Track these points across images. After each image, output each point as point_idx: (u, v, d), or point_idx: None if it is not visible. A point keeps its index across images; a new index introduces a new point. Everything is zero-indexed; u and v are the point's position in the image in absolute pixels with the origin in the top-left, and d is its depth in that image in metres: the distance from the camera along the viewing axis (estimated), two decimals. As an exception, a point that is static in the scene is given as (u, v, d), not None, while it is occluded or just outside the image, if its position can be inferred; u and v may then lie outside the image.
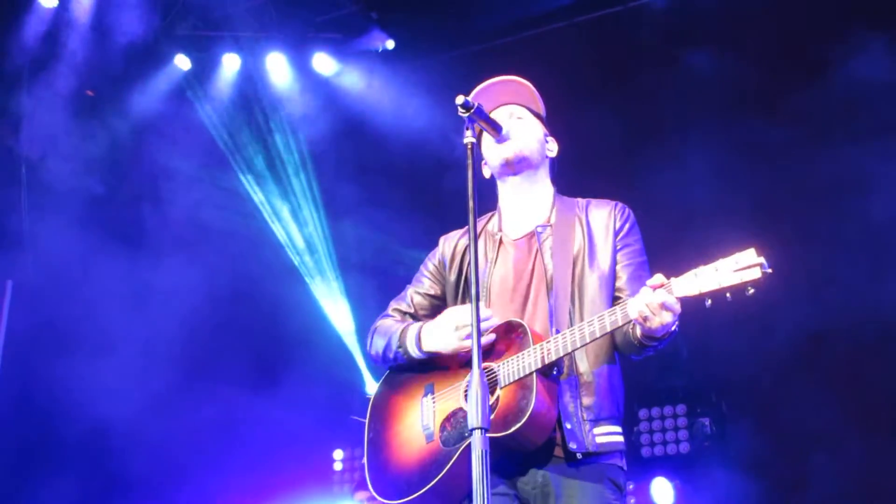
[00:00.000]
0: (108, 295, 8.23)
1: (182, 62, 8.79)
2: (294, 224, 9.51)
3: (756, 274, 2.70)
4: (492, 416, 3.01)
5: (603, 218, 3.34)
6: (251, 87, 8.98)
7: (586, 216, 3.35)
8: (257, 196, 9.38)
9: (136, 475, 8.54)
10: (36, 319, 7.94)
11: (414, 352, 3.33)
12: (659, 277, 2.89)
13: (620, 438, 3.18)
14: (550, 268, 3.24)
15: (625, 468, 3.20)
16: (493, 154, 3.41)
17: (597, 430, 3.09)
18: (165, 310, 8.32)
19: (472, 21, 8.33)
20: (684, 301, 2.85)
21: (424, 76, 8.29)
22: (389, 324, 3.52)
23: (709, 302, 2.80)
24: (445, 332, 3.24)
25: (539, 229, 3.35)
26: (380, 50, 8.61)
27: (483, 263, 3.38)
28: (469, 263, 3.34)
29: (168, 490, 8.84)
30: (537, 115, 3.53)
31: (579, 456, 3.04)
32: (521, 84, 3.56)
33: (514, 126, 3.38)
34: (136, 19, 8.14)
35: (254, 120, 9.21)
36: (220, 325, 8.86)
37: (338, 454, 9.79)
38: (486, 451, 2.51)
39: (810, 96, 7.04)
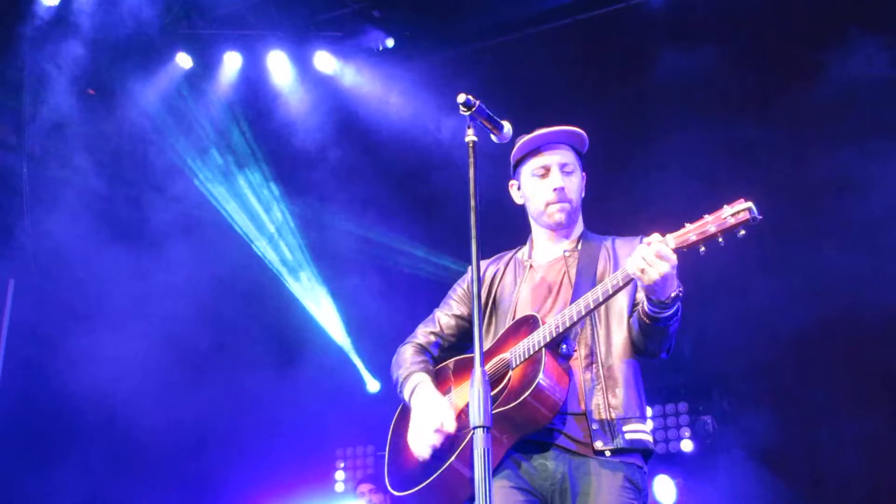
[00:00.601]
0: (108, 291, 8.26)
1: (183, 60, 8.79)
2: (291, 221, 9.52)
3: (746, 216, 2.80)
4: (502, 395, 3.10)
5: (629, 247, 3.40)
6: (253, 84, 8.98)
7: (612, 247, 3.44)
8: (256, 192, 9.37)
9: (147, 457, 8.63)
10: (43, 311, 7.99)
11: (406, 399, 3.42)
12: (655, 235, 2.97)
13: (649, 438, 3.26)
14: (574, 282, 3.33)
15: (645, 469, 3.24)
16: (538, 209, 3.47)
17: (626, 428, 3.16)
18: (166, 303, 8.36)
19: (474, 19, 8.33)
20: (681, 254, 2.93)
21: (426, 73, 8.30)
22: (406, 357, 3.54)
23: (702, 249, 2.89)
24: (422, 424, 3.26)
25: (566, 252, 3.46)
26: (380, 49, 8.61)
27: (511, 286, 3.48)
28: (497, 289, 3.49)
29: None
30: (579, 155, 3.53)
31: (608, 453, 3.11)
32: (572, 131, 3.50)
33: (569, 186, 3.43)
34: (137, 18, 8.14)
35: (255, 117, 9.21)
36: (221, 318, 8.89)
37: (340, 466, 9.85)
38: (487, 450, 2.53)
39: (801, 97, 7.11)
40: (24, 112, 8.35)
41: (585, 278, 3.31)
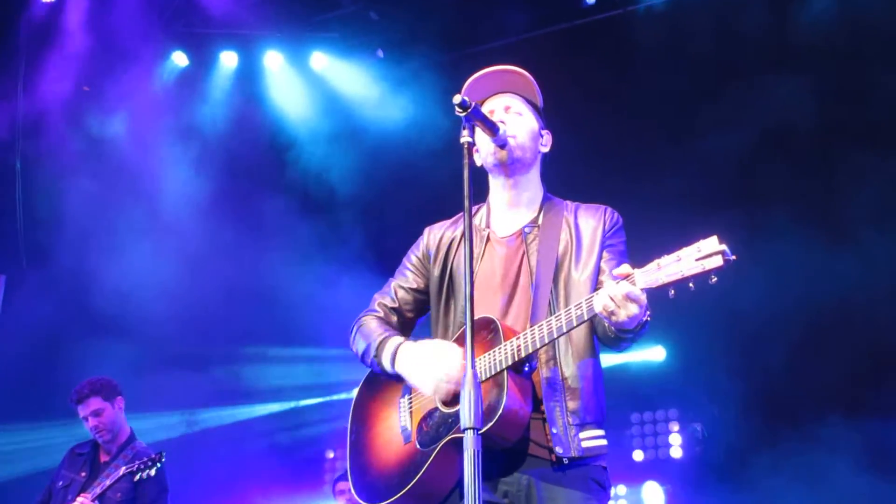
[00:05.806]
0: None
1: (179, 59, 8.79)
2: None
3: (718, 262, 2.62)
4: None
5: (592, 221, 3.29)
6: (249, 84, 8.98)
7: (575, 219, 3.30)
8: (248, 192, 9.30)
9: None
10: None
11: (388, 367, 3.24)
12: (625, 268, 2.82)
13: (605, 442, 3.14)
14: (535, 268, 3.21)
15: (607, 467, 3.16)
16: (487, 150, 3.30)
17: (583, 435, 3.06)
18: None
19: (470, 23, 8.34)
20: (650, 293, 2.79)
21: (421, 76, 8.31)
22: (372, 327, 3.39)
23: (672, 292, 2.72)
24: (427, 374, 3.10)
25: (527, 229, 3.31)
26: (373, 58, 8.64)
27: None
28: (454, 259, 3.35)
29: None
30: (534, 107, 3.42)
31: (566, 461, 3.01)
32: (519, 74, 3.43)
33: (511, 123, 3.30)
34: (133, 15, 8.13)
35: (251, 117, 9.18)
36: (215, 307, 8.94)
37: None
38: (478, 452, 2.49)
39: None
40: (18, 108, 8.33)
41: (545, 267, 3.18)
